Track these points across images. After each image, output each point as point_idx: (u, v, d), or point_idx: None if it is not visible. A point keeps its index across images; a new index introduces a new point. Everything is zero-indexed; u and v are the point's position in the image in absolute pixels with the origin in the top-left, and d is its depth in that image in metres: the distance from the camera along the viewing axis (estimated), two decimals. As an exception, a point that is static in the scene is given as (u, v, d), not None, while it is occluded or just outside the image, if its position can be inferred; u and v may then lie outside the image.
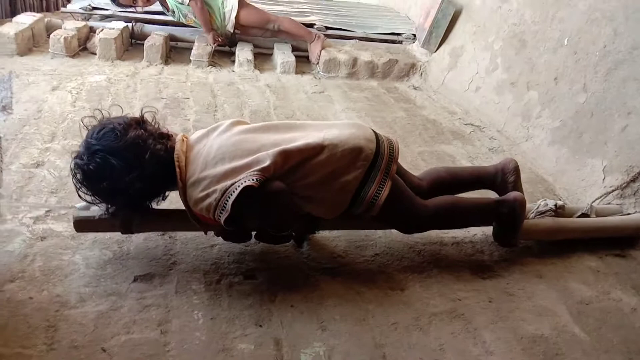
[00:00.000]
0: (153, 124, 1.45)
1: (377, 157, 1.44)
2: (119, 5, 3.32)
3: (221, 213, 1.30)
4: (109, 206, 1.42)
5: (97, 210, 1.45)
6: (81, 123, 1.41)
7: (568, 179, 2.26)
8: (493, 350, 1.34)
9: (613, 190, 2.02)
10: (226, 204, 1.29)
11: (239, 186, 1.29)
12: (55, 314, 1.30)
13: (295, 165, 1.39)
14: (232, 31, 3.47)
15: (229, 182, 1.30)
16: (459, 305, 1.48)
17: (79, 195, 1.37)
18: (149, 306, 1.36)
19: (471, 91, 3.10)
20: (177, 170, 1.36)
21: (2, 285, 1.38)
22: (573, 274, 1.67)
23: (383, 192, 1.43)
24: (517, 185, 1.70)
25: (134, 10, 3.38)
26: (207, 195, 1.32)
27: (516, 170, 1.72)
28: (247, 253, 1.60)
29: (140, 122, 1.41)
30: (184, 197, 1.37)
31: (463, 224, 1.68)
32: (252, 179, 1.29)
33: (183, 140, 1.43)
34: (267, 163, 1.31)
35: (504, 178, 1.71)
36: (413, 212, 1.53)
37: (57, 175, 1.89)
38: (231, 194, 1.29)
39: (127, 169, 1.30)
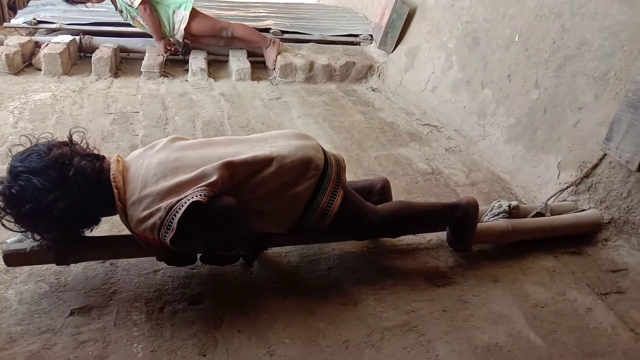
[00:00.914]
0: (82, 144, 1.37)
1: (327, 167, 1.41)
2: (71, 3, 3.22)
3: (166, 233, 1.23)
4: (40, 235, 1.33)
5: (29, 242, 1.37)
6: (9, 151, 1.33)
7: (524, 177, 2.26)
8: (446, 363, 1.31)
9: (568, 187, 2.01)
10: (172, 222, 1.22)
11: (185, 202, 1.22)
12: (-18, 358, 1.22)
13: (243, 178, 1.33)
14: (181, 41, 3.39)
15: (174, 199, 1.24)
16: (413, 317, 1.44)
17: (2, 224, 1.28)
18: (86, 342, 1.28)
19: (428, 91, 3.08)
20: (115, 191, 1.28)
21: None
22: (529, 276, 1.65)
23: (335, 201, 1.40)
24: (386, 195, 1.73)
25: (86, 8, 3.29)
26: (151, 215, 1.25)
27: (386, 186, 1.73)
28: (193, 277, 1.53)
29: (67, 143, 1.34)
30: (125, 218, 1.29)
31: (416, 229, 1.65)
32: (200, 195, 1.23)
33: (118, 160, 1.36)
34: (214, 177, 1.26)
35: (375, 191, 1.72)
36: (366, 218, 1.50)
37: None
38: (177, 212, 1.22)
39: (49, 188, 1.22)
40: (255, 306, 1.45)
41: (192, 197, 1.23)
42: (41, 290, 1.43)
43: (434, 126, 2.79)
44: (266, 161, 1.36)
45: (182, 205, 1.22)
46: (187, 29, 3.29)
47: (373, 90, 3.31)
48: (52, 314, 1.36)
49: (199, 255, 1.49)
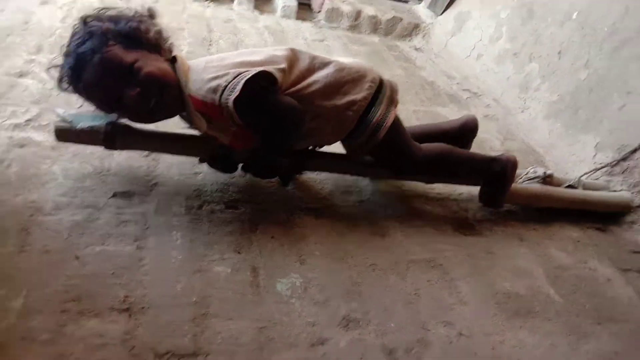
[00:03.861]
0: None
1: (383, 84, 1.43)
2: None
3: (230, 94, 1.23)
4: (104, 110, 1.35)
5: (80, 120, 1.39)
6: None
7: (559, 153, 2.26)
8: (467, 301, 1.34)
9: (602, 167, 2.02)
10: (237, 86, 1.22)
11: (255, 70, 1.24)
12: (29, 218, 1.26)
13: (303, 71, 1.37)
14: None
15: (243, 69, 1.25)
16: (438, 256, 1.48)
17: (61, 87, 1.29)
18: (127, 222, 1.32)
19: (472, 58, 3.05)
20: (181, 62, 1.31)
21: (-26, 184, 1.33)
22: (553, 241, 1.68)
23: (388, 118, 1.41)
24: (469, 142, 1.76)
25: None
26: (217, 77, 1.25)
27: (475, 129, 1.76)
28: (231, 184, 1.57)
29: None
30: (183, 92, 1.29)
31: (454, 173, 1.66)
32: (272, 70, 1.26)
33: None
34: (283, 65, 1.28)
35: (462, 134, 1.74)
36: (409, 152, 1.52)
37: (41, 87, 1.82)
38: (245, 76, 1.23)
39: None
40: (288, 220, 1.48)
41: (264, 69, 1.26)
42: (85, 171, 1.47)
43: (474, 93, 2.77)
44: (325, 62, 1.40)
45: (251, 72, 1.23)
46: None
47: (416, 49, 3.28)
48: (95, 192, 1.40)
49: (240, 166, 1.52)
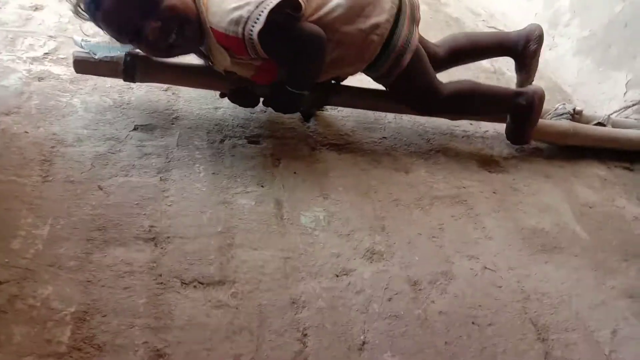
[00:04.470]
0: None
1: (402, 2, 1.37)
2: None
3: (254, 25, 1.17)
4: (122, 41, 1.29)
5: (98, 50, 1.36)
6: None
7: (588, 91, 2.18)
8: (492, 236, 1.33)
9: (633, 105, 1.94)
10: (260, 15, 1.17)
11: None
12: (51, 149, 1.26)
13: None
14: None
15: None
16: (463, 192, 1.46)
17: (79, 15, 1.24)
18: (149, 154, 1.31)
19: (499, -7, 2.92)
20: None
21: (-4, 117, 1.32)
22: (580, 179, 1.64)
23: (412, 38, 1.36)
24: (536, 55, 1.64)
25: None
26: (239, 7, 1.19)
27: (540, 38, 1.64)
28: (252, 119, 1.54)
29: None
30: (203, 26, 1.24)
31: (478, 110, 1.62)
32: None
33: None
34: None
35: (526, 45, 1.63)
36: (432, 87, 1.47)
37: (57, 20, 1.77)
38: (268, 5, 1.17)
39: None
40: (310, 155, 1.46)
41: None
42: (105, 104, 1.45)
43: (500, 29, 2.66)
44: None
45: (273, 1, 1.17)
46: None
47: (440, -15, 3.14)
48: (116, 125, 1.38)
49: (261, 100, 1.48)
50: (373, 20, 1.32)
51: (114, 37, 1.28)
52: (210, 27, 1.23)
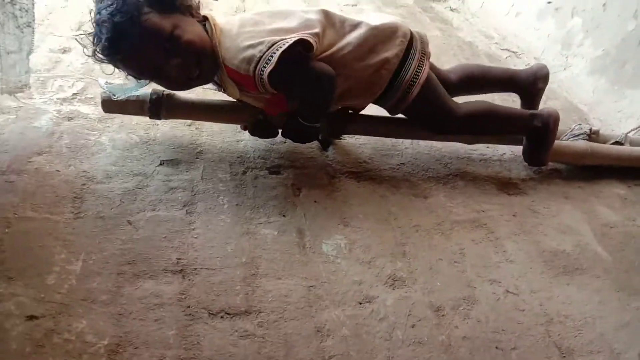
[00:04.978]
0: None
1: (413, 38, 1.41)
2: None
3: (264, 66, 1.22)
4: (140, 79, 1.36)
5: (121, 91, 1.42)
6: None
7: (604, 110, 2.18)
8: (514, 259, 1.34)
9: (651, 122, 1.95)
10: (272, 56, 1.21)
11: (291, 40, 1.23)
12: (82, 187, 1.32)
13: (333, 38, 1.36)
14: None
15: (277, 38, 1.23)
16: (482, 216, 1.47)
17: (96, 58, 1.28)
18: (175, 188, 1.36)
19: (511, 16, 2.95)
20: (212, 25, 1.30)
21: (30, 157, 1.38)
22: (600, 199, 1.64)
23: (422, 73, 1.39)
24: (541, 93, 1.72)
25: None
26: (252, 46, 1.24)
27: (547, 77, 1.70)
28: (272, 150, 1.58)
29: None
30: (217, 59, 1.29)
31: (494, 131, 1.64)
32: (307, 36, 1.25)
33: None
34: (317, 29, 1.27)
35: (534, 83, 1.69)
36: (446, 109, 1.50)
37: (84, 62, 1.86)
38: (280, 47, 1.22)
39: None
40: (329, 184, 1.49)
41: (300, 36, 1.24)
42: (132, 141, 1.51)
43: (513, 52, 2.69)
44: (355, 24, 1.38)
45: (286, 43, 1.22)
46: None
47: (452, 9, 3.19)
48: (143, 161, 1.44)
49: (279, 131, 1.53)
50: (382, 55, 1.37)
51: (133, 76, 1.34)
52: (223, 62, 1.29)
